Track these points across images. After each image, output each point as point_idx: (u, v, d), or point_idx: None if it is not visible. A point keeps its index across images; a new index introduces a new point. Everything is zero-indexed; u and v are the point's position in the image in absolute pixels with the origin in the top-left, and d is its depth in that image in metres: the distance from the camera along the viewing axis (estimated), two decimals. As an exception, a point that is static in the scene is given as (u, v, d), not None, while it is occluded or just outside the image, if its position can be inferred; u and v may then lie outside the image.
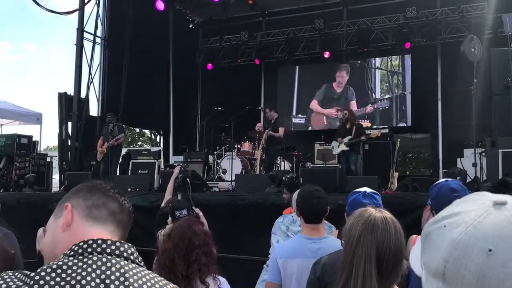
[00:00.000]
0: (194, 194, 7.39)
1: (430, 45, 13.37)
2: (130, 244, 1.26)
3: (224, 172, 11.48)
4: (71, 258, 1.17)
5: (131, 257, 1.24)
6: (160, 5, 13.64)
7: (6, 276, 1.13)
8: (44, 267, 1.14)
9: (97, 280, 1.13)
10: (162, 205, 5.92)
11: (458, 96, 11.46)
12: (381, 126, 13.00)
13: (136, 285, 1.18)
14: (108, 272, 1.15)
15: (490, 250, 0.67)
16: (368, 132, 10.74)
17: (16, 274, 1.13)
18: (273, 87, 15.56)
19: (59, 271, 1.13)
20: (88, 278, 1.12)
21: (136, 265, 1.23)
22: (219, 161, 11.94)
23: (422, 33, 13.15)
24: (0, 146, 11.43)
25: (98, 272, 1.15)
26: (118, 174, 11.14)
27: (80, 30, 12.20)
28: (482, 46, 8.84)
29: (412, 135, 13.43)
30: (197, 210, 5.24)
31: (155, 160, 11.36)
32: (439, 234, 0.74)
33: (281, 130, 10.17)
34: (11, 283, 1.10)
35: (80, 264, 1.15)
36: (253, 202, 7.34)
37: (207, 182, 10.34)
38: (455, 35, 12.66)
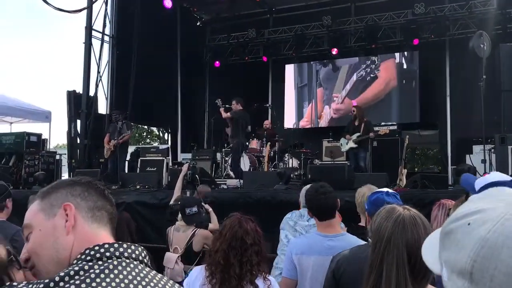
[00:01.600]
0: (202, 191, 7.42)
1: (438, 41, 13.29)
2: (142, 247, 1.23)
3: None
4: (90, 264, 1.11)
5: (145, 260, 1.21)
6: (168, 3, 13.66)
7: None
8: (62, 274, 1.08)
9: (122, 285, 1.10)
10: (171, 202, 5.95)
11: (467, 92, 11.43)
12: (389, 123, 12.96)
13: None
14: (130, 277, 1.13)
15: None
16: (376, 129, 10.72)
17: (32, 285, 1.07)
18: (280, 84, 15.56)
19: (82, 277, 1.08)
20: (113, 284, 1.09)
21: (149, 269, 1.21)
22: (227, 158, 11.96)
23: (430, 29, 13.09)
24: (10, 144, 11.51)
25: (121, 276, 1.11)
26: (126, 171, 11.20)
27: (89, 28, 12.25)
28: (491, 42, 8.79)
29: (420, 132, 13.39)
30: (207, 206, 5.27)
31: (164, 158, 11.39)
32: (464, 232, 0.72)
33: (227, 115, 10.25)
34: None
35: (101, 268, 1.11)
36: (261, 199, 7.34)
37: (215, 180, 10.38)
38: (464, 31, 12.60)
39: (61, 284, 1.06)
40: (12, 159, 11.30)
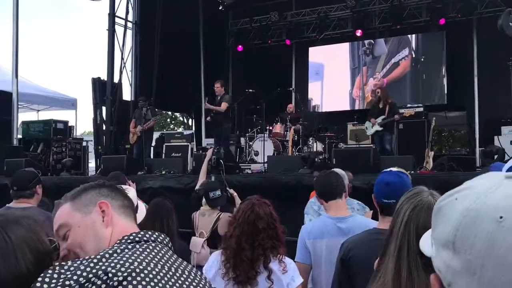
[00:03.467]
0: (227, 176, 7.46)
1: (465, 20, 12.97)
2: (164, 234, 1.45)
3: (256, 154, 11.51)
4: (132, 244, 1.32)
5: (168, 245, 1.43)
6: (190, -12, 13.64)
7: (63, 271, 1.18)
8: (110, 251, 1.26)
9: (162, 261, 1.30)
10: (197, 187, 5.98)
11: (495, 72, 11.17)
12: (415, 105, 12.75)
13: (182, 267, 1.38)
14: (166, 257, 1.35)
15: (501, 217, 0.66)
16: (401, 111, 10.55)
17: (75, 263, 1.20)
18: (304, 67, 15.44)
19: (130, 251, 1.27)
20: (155, 260, 1.28)
21: (172, 252, 1.42)
22: (251, 143, 11.97)
23: (457, 8, 12.78)
24: (38, 131, 11.73)
25: (160, 255, 1.32)
26: (151, 157, 11.30)
27: (112, 15, 12.30)
28: (521, 20, 8.55)
29: (447, 113, 13.15)
30: (231, 191, 5.28)
31: (188, 143, 11.47)
32: (451, 207, 0.73)
33: (224, 105, 10.05)
34: (71, 283, 1.15)
35: (143, 247, 1.31)
36: (286, 184, 7.34)
37: (240, 164, 10.40)
38: (492, 10, 12.24)
39: (114, 255, 1.24)
40: (40, 146, 11.52)
